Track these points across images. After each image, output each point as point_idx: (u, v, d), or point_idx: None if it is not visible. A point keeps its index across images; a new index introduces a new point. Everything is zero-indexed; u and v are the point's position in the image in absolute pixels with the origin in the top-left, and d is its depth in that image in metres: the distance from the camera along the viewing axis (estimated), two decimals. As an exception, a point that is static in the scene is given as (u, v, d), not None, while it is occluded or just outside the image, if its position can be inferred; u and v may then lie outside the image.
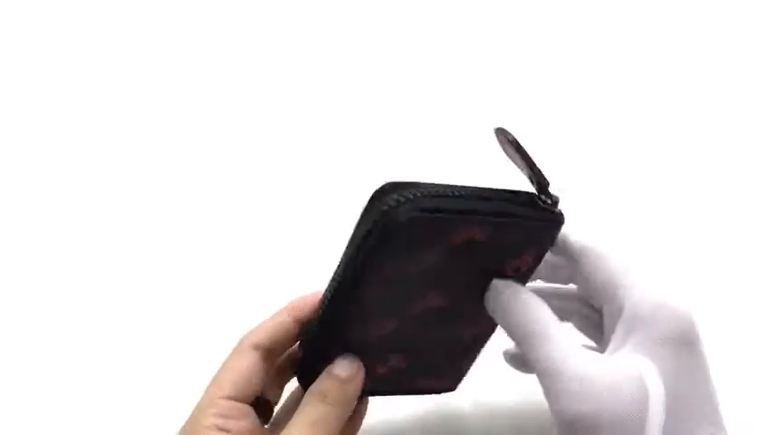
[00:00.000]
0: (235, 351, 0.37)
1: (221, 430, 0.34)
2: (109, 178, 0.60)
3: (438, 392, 0.42)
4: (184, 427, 0.35)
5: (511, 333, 0.35)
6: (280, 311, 0.38)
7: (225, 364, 0.36)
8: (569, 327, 0.41)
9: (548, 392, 0.33)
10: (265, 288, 0.49)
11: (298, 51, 0.69)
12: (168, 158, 0.61)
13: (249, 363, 0.36)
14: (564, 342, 0.34)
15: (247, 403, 0.36)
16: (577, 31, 0.71)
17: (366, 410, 0.39)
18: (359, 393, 0.35)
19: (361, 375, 0.35)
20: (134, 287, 0.53)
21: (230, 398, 0.35)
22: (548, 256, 0.37)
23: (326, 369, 0.35)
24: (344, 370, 0.35)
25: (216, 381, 0.36)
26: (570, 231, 0.37)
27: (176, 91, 0.65)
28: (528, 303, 0.35)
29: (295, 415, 0.34)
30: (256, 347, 0.36)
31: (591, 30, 0.71)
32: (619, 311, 0.36)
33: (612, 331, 0.36)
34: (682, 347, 0.34)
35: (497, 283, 0.36)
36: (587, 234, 0.38)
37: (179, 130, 0.63)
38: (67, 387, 0.48)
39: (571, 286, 0.41)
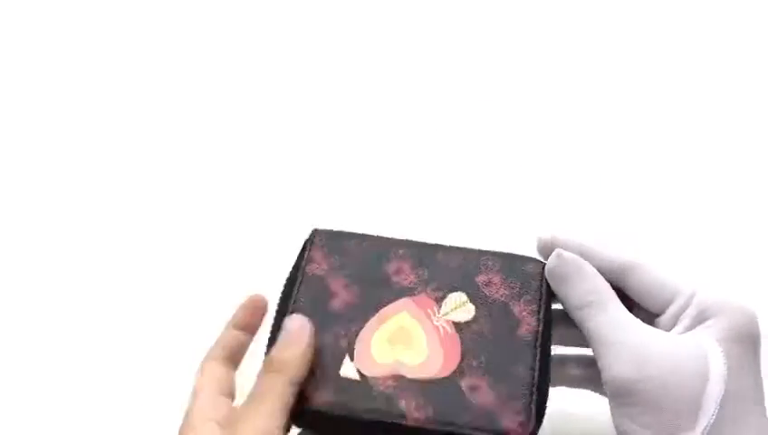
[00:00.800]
0: (199, 372, 0.38)
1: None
2: (108, 179, 0.60)
3: None
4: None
5: (568, 302, 0.37)
6: (226, 326, 0.40)
7: (195, 389, 0.37)
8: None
9: (603, 359, 0.35)
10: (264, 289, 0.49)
11: (295, 52, 0.69)
12: (167, 158, 0.61)
13: (220, 372, 0.38)
14: (623, 313, 0.36)
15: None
16: (576, 31, 0.71)
17: None
18: (306, 356, 0.36)
19: (305, 333, 0.36)
20: (134, 288, 0.53)
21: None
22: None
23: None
24: (287, 325, 0.36)
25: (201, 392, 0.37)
26: (602, 248, 0.38)
27: (172, 90, 0.66)
28: (590, 273, 0.37)
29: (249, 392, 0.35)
30: (219, 360, 0.38)
31: (591, 30, 0.71)
32: (681, 310, 0.37)
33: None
34: (748, 342, 0.35)
35: (560, 252, 0.38)
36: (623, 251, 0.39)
37: (177, 131, 0.63)
38: (67, 389, 0.48)
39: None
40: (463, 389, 0.35)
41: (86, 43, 0.68)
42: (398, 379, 0.35)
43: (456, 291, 0.39)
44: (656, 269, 0.38)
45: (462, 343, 0.37)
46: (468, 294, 0.38)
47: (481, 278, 0.39)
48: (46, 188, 0.58)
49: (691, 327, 0.36)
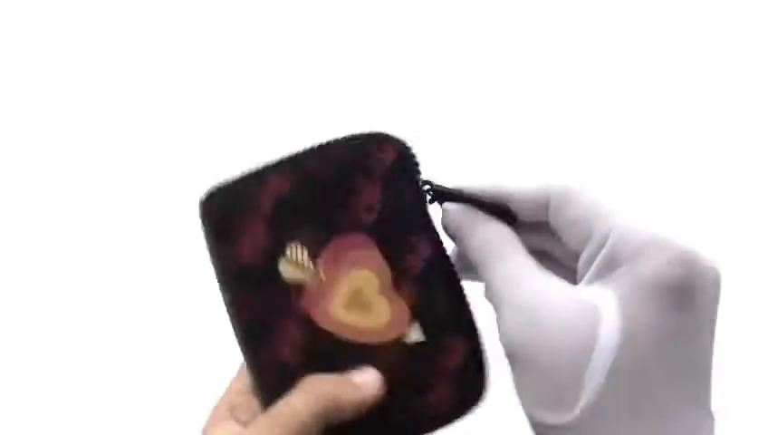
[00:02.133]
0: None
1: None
2: (109, 180, 0.60)
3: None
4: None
5: (469, 259, 0.33)
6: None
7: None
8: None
9: (497, 319, 0.31)
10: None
11: (292, 53, 0.68)
12: (167, 159, 0.61)
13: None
14: (522, 265, 0.30)
15: None
16: (576, 32, 0.70)
17: None
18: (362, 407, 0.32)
19: (372, 389, 0.33)
20: (134, 290, 0.53)
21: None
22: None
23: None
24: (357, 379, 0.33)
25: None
26: (520, 184, 0.33)
27: (169, 89, 0.65)
28: (481, 223, 0.32)
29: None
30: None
31: (590, 31, 0.70)
32: (596, 251, 0.30)
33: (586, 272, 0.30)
34: (668, 297, 0.27)
35: (445, 207, 0.34)
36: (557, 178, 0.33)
37: (174, 131, 0.63)
38: (67, 389, 0.48)
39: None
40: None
41: (84, 42, 0.68)
42: None
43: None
44: (585, 198, 0.31)
45: None
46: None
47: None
48: (46, 189, 0.59)
49: (599, 276, 0.29)
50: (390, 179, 0.35)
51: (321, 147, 0.36)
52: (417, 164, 0.35)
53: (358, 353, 0.34)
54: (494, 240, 0.32)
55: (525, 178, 0.33)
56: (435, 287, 0.34)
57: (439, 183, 0.35)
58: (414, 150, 0.36)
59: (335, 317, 0.34)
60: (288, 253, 0.35)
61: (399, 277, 0.35)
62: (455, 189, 0.34)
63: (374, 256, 0.35)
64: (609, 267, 0.29)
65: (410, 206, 0.35)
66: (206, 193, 0.35)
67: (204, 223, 0.35)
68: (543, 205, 0.32)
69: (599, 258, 0.29)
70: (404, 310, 0.34)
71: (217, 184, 0.35)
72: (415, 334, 0.34)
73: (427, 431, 0.33)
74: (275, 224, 0.35)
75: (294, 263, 0.35)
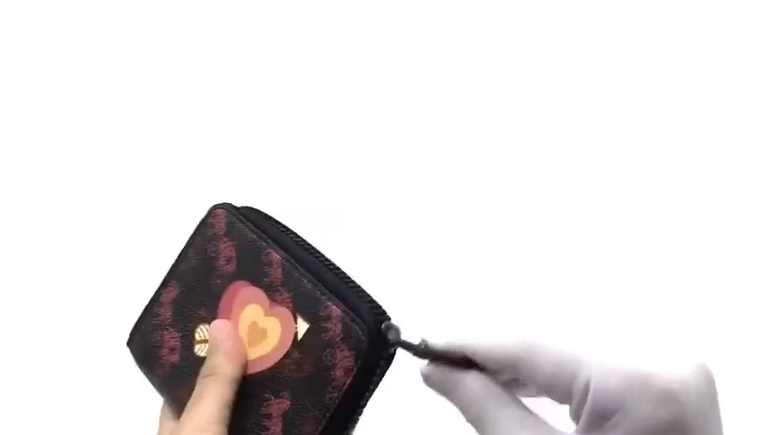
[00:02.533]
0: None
1: None
2: (108, 180, 0.60)
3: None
4: None
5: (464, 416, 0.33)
6: None
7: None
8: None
9: None
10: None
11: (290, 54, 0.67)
12: (165, 159, 0.61)
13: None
14: (515, 420, 0.30)
15: None
16: (574, 33, 0.68)
17: None
18: (235, 353, 0.36)
19: (226, 331, 0.37)
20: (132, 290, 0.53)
21: None
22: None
23: None
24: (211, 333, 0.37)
25: None
26: (484, 340, 0.32)
27: (166, 89, 0.64)
28: (462, 387, 0.32)
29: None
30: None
31: (589, 32, 0.68)
32: (580, 404, 0.29)
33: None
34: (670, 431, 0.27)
35: (424, 376, 0.34)
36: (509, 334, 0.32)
37: (171, 132, 0.62)
38: (67, 389, 0.50)
39: None
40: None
41: (81, 41, 0.66)
42: None
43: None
44: (552, 353, 0.30)
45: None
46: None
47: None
48: (45, 189, 0.59)
49: (597, 426, 0.29)
50: (230, 229, 0.40)
51: (185, 246, 0.42)
52: (238, 209, 0.42)
53: (271, 379, 0.36)
54: (478, 400, 0.32)
55: (489, 328, 0.33)
56: (295, 277, 0.37)
57: (408, 341, 0.35)
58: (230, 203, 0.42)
59: (249, 360, 0.37)
60: (197, 336, 0.39)
61: (271, 292, 0.37)
62: (421, 347, 0.34)
63: (248, 290, 0.38)
64: (599, 420, 0.29)
65: (253, 235, 0.39)
66: (128, 339, 0.42)
67: (137, 364, 0.41)
68: (510, 364, 0.31)
69: (585, 416, 0.29)
70: (287, 314, 0.36)
71: (132, 325, 0.42)
72: (302, 326, 0.36)
73: (350, 403, 0.33)
74: (178, 323, 0.40)
75: (204, 340, 0.39)
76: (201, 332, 0.40)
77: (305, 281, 0.36)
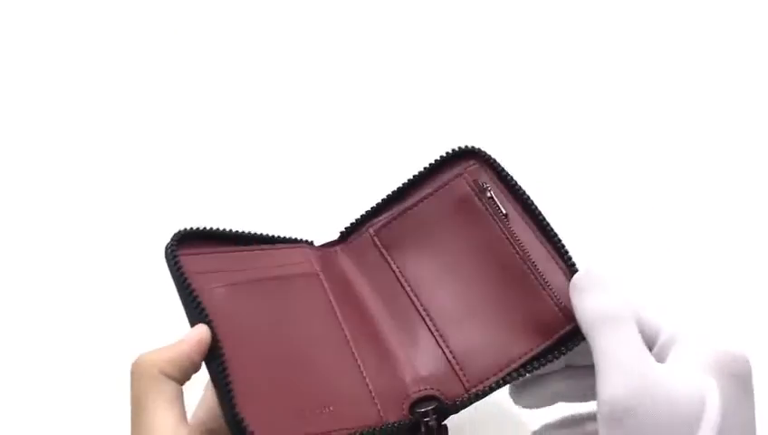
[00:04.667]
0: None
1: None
2: (108, 180, 0.59)
3: None
4: None
5: (586, 314, 0.35)
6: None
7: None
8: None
9: (600, 379, 0.32)
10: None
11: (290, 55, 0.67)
12: (164, 159, 0.60)
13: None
14: (634, 338, 0.33)
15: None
16: (572, 34, 0.69)
17: None
18: (195, 357, 0.33)
19: (194, 339, 0.33)
20: (130, 291, 0.53)
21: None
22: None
23: None
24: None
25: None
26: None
27: (164, 91, 0.64)
28: (615, 290, 0.35)
29: None
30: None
31: (587, 33, 0.69)
32: (669, 344, 0.34)
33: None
34: (741, 381, 0.32)
35: (592, 265, 0.36)
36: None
37: (170, 133, 0.62)
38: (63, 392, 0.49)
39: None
40: None
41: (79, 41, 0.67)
42: None
43: None
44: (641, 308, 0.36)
45: None
46: None
47: None
48: (43, 189, 0.59)
49: (685, 358, 0.33)
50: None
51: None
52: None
53: None
54: (622, 309, 0.34)
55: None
56: None
57: None
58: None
59: None
60: None
61: None
62: None
63: None
64: (691, 356, 0.33)
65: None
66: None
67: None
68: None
69: (680, 349, 0.34)
70: None
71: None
72: None
73: None
74: None
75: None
76: None
77: None
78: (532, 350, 0.37)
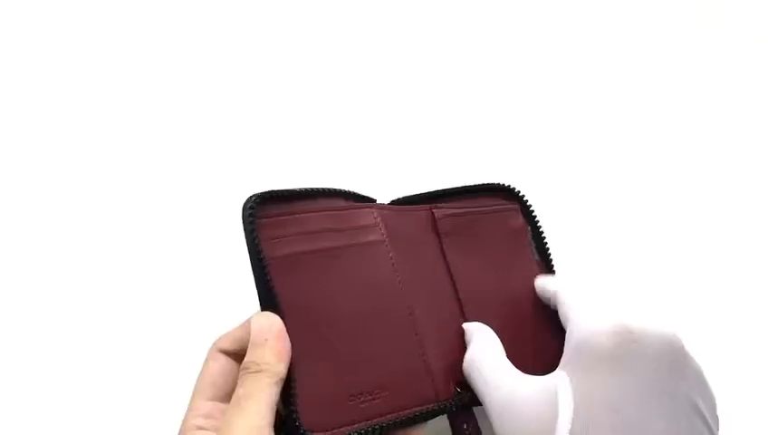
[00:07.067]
0: (207, 357, 0.38)
1: (200, 429, 0.35)
2: (107, 180, 0.58)
3: None
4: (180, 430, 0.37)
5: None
6: (246, 322, 0.38)
7: (201, 370, 0.38)
8: None
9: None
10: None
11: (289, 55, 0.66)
12: (163, 159, 0.59)
13: (220, 366, 0.37)
14: (494, 370, 0.36)
15: (227, 401, 0.36)
16: (572, 35, 0.69)
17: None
18: (284, 352, 0.35)
19: (277, 329, 0.35)
20: (129, 291, 0.53)
21: (210, 399, 0.37)
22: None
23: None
24: (257, 325, 0.35)
25: (196, 386, 0.38)
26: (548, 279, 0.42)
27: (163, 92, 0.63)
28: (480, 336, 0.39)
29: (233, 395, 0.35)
30: (225, 352, 0.38)
31: (587, 34, 0.69)
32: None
33: None
34: (606, 366, 0.32)
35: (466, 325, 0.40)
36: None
37: (169, 134, 0.61)
38: (63, 392, 0.49)
39: None
40: None
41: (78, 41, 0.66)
42: None
43: None
44: (571, 298, 0.38)
45: None
46: None
47: None
48: (43, 190, 0.58)
49: (568, 361, 0.35)
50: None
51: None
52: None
53: None
54: (485, 346, 0.38)
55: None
56: None
57: None
58: None
59: None
60: None
61: None
62: None
63: None
64: (567, 353, 0.35)
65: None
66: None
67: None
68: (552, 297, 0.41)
69: (566, 348, 0.35)
70: None
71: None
72: None
73: None
74: None
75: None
76: None
77: None
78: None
